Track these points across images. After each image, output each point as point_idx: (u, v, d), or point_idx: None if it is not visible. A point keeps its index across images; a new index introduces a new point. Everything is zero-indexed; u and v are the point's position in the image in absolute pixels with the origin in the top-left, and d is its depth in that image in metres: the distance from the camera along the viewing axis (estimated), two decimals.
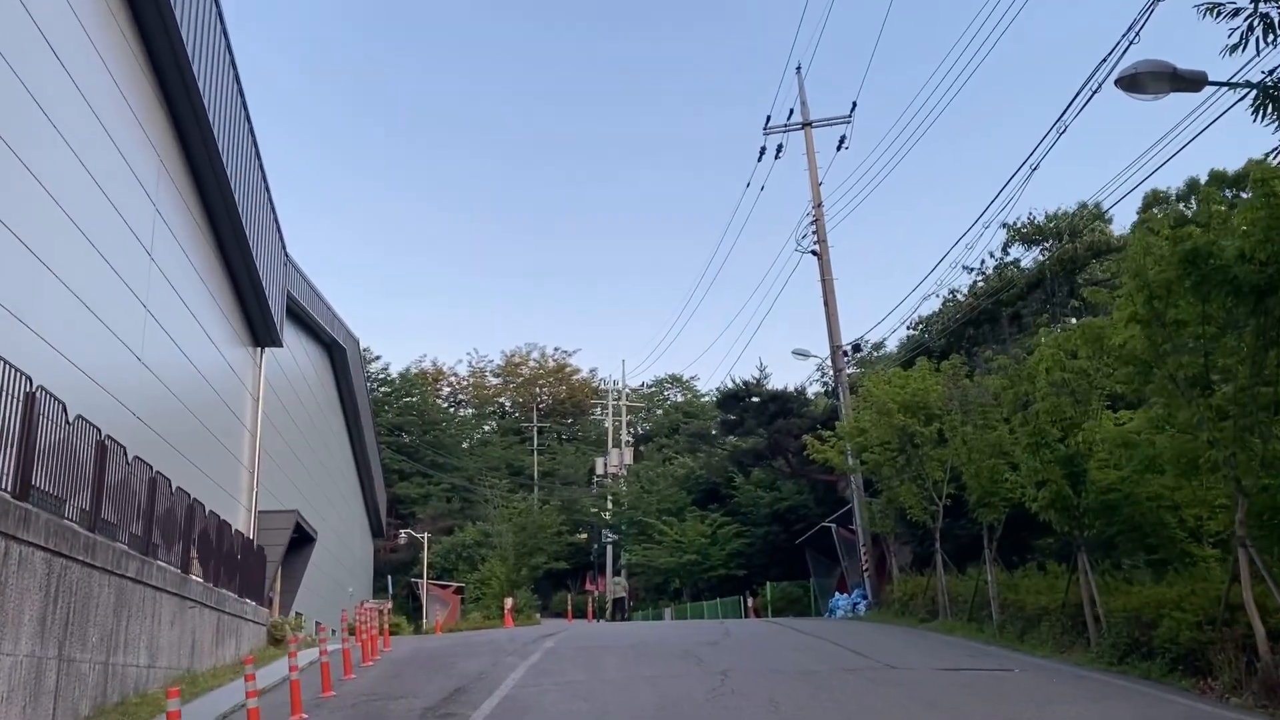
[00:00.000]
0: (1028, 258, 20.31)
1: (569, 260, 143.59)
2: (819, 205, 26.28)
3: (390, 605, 32.08)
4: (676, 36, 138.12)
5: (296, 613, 32.05)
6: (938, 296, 22.25)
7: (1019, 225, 19.78)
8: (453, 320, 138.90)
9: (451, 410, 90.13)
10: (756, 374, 35.83)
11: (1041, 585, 14.74)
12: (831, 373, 35.82)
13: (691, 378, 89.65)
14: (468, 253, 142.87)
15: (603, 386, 79.79)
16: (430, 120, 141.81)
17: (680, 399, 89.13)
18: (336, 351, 40.54)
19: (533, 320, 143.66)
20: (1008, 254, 20.66)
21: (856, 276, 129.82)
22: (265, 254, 25.04)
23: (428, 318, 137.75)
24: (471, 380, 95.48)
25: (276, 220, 26.33)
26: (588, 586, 66.09)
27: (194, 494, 20.51)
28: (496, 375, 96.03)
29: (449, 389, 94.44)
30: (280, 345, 27.44)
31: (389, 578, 46.58)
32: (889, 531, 21.82)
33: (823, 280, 26.17)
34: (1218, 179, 10.30)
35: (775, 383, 36.85)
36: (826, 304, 26.01)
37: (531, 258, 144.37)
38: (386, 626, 19.50)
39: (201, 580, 14.56)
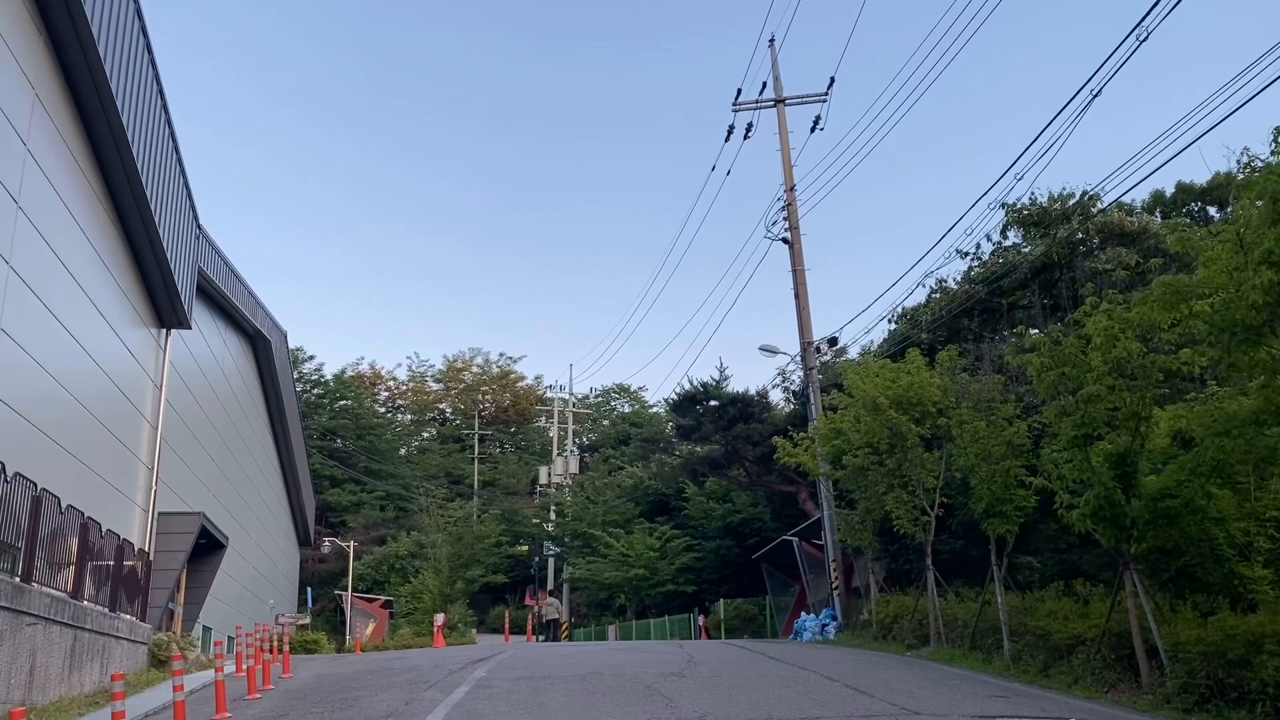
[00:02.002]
0: (1028, 243, 18.30)
1: (515, 261, 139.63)
2: (792, 188, 24.16)
3: (308, 619, 29.07)
4: (630, 6, 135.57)
5: (205, 627, 28.88)
6: (924, 287, 20.14)
7: (1019, 206, 17.83)
8: (393, 324, 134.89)
9: (389, 416, 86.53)
10: (716, 375, 33.65)
11: (1069, 610, 12.55)
12: (796, 376, 33.76)
13: (639, 388, 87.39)
14: (410, 255, 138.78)
15: (548, 394, 76.90)
16: (367, 117, 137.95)
17: (628, 409, 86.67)
18: (261, 344, 37.32)
19: (477, 325, 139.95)
20: (1006, 238, 18.75)
21: (829, 271, 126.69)
22: (172, 221, 22.12)
23: (367, 321, 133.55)
24: (411, 385, 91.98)
25: (187, 185, 23.39)
26: (528, 601, 63.12)
27: (71, 492, 17.57)
28: (438, 381, 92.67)
29: (387, 394, 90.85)
30: (188, 327, 24.44)
31: (309, 590, 43.30)
32: (867, 545, 19.64)
33: (794, 270, 24.03)
34: None
35: (736, 385, 34.70)
36: (797, 296, 23.86)
37: (476, 259, 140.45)
38: (286, 648, 16.70)
39: (52, 590, 11.74)
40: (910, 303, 21.21)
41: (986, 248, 19.25)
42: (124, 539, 15.22)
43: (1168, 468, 10.25)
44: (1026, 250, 18.08)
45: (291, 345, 72.50)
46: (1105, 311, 9.92)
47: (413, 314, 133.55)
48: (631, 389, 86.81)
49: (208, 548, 27.30)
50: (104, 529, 14.14)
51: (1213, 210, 19.43)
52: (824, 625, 22.11)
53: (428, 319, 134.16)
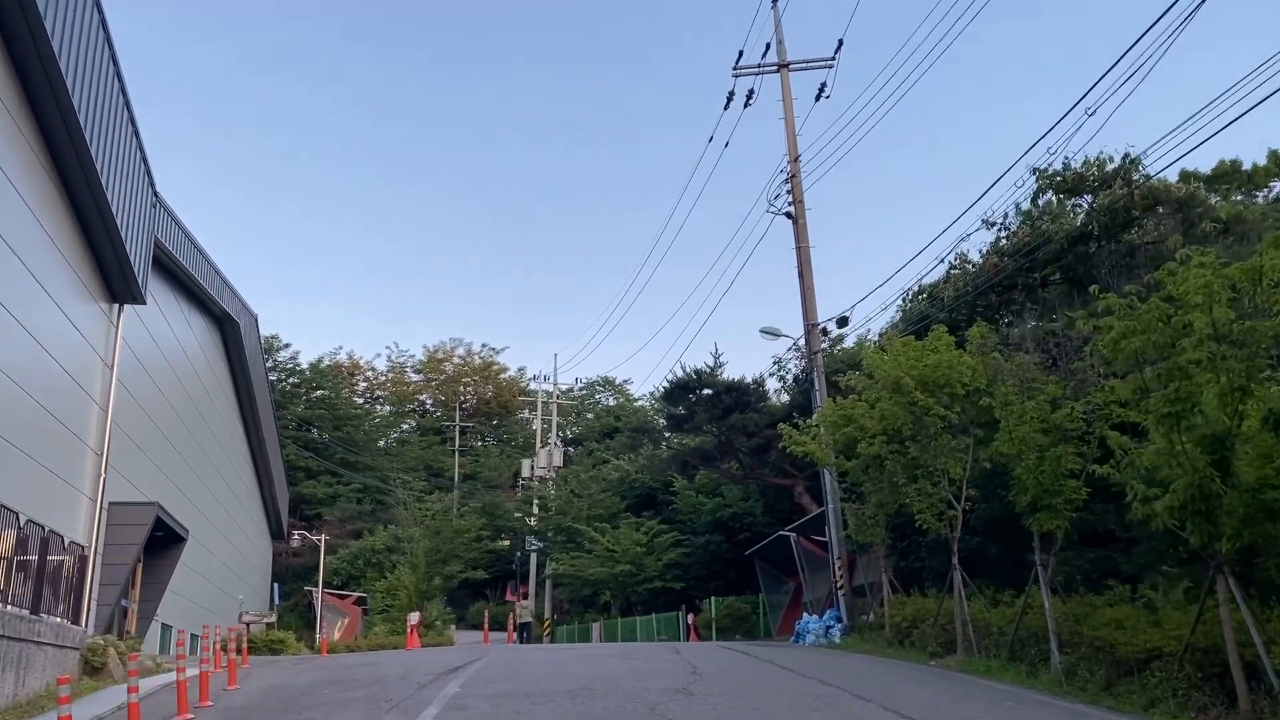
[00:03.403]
0: (1058, 214, 16.73)
1: (499, 249, 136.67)
2: (796, 159, 22.49)
3: (274, 618, 27.24)
4: None
5: (164, 625, 27.00)
6: (943, 261, 18.49)
7: (1052, 172, 16.24)
8: (372, 313, 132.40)
9: (368, 407, 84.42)
10: (710, 363, 31.92)
11: (1136, 619, 10.90)
12: (793, 365, 32.15)
13: (625, 381, 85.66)
14: (391, 243, 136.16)
15: (532, 386, 75.05)
16: (347, 97, 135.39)
17: (613, 402, 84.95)
18: (229, 326, 35.32)
19: (458, 316, 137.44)
20: (1037, 206, 17.12)
21: (833, 251, 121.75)
22: (122, 185, 20.21)
23: (345, 309, 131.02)
24: (390, 376, 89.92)
25: (141, 149, 21.49)
26: (509, 597, 61.38)
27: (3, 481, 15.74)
28: (418, 372, 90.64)
29: (365, 384, 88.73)
30: (143, 302, 22.52)
31: (275, 586, 41.36)
32: (879, 542, 18.03)
33: (798, 247, 22.39)
34: None
35: (731, 374, 32.92)
36: (801, 275, 22.22)
37: (458, 247, 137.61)
38: (243, 650, 14.91)
39: None
40: (925, 281, 19.62)
41: (1014, 219, 17.67)
42: (50, 530, 13.39)
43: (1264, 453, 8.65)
44: (1062, 220, 16.41)
45: (266, 333, 70.51)
46: (1202, 265, 8.30)
47: (392, 304, 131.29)
48: (617, 382, 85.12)
49: (166, 540, 25.42)
50: (23, 519, 12.30)
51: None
52: (828, 627, 20.53)
53: (408, 309, 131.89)
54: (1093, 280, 15.07)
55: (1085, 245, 15.91)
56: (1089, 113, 13.36)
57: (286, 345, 71.29)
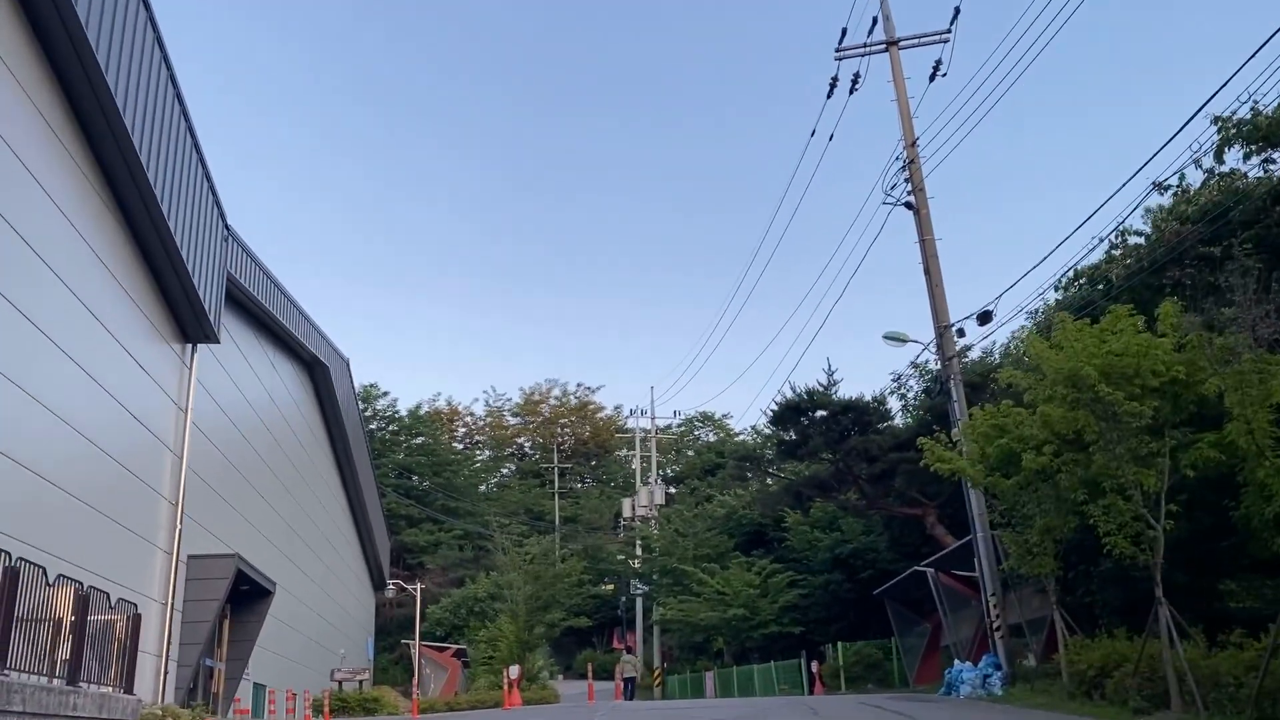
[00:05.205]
0: (1252, 166, 13.78)
1: (592, 284, 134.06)
2: (913, 143, 20.03)
3: (367, 674, 25.51)
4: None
5: (256, 684, 25.54)
6: (1103, 240, 15.67)
7: (1238, 120, 13.39)
8: (468, 358, 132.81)
9: (467, 452, 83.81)
10: (823, 380, 29.22)
11: None
12: (912, 381, 29.27)
13: (724, 415, 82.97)
14: (483, 287, 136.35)
15: (628, 423, 73.00)
16: (436, 160, 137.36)
17: (713, 438, 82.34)
18: (319, 371, 34.35)
19: (553, 356, 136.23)
20: (1222, 162, 14.32)
21: (960, 243, 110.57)
22: (187, 216, 19.05)
23: (442, 355, 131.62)
24: (489, 420, 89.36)
25: (208, 177, 20.37)
26: (615, 644, 59.05)
27: (62, 539, 14.35)
28: (515, 415, 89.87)
29: (464, 429, 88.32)
30: (216, 340, 21.33)
31: (369, 640, 39.91)
32: (1049, 573, 15.17)
33: (922, 241, 19.84)
34: None
35: (846, 392, 29.94)
36: (928, 271, 19.63)
37: (552, 284, 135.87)
38: (325, 713, 13.03)
39: None
40: (1080, 264, 16.73)
41: (1194, 178, 14.81)
42: (90, 587, 11.72)
43: None
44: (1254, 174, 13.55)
45: (365, 382, 70.64)
46: None
47: (488, 348, 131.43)
48: (716, 416, 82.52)
49: (252, 594, 24.02)
50: (52, 575, 10.65)
51: None
52: (985, 676, 17.63)
53: (503, 352, 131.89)
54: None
55: None
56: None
57: (385, 393, 71.15)
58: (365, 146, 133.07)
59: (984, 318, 16.73)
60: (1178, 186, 15.16)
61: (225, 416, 23.99)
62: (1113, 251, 16.31)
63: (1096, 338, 12.16)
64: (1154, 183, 14.01)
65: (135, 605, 13.64)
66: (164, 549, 19.50)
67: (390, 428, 71.04)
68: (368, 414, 66.37)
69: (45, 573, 10.64)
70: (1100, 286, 16.14)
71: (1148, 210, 15.93)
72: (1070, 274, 16.77)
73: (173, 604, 19.37)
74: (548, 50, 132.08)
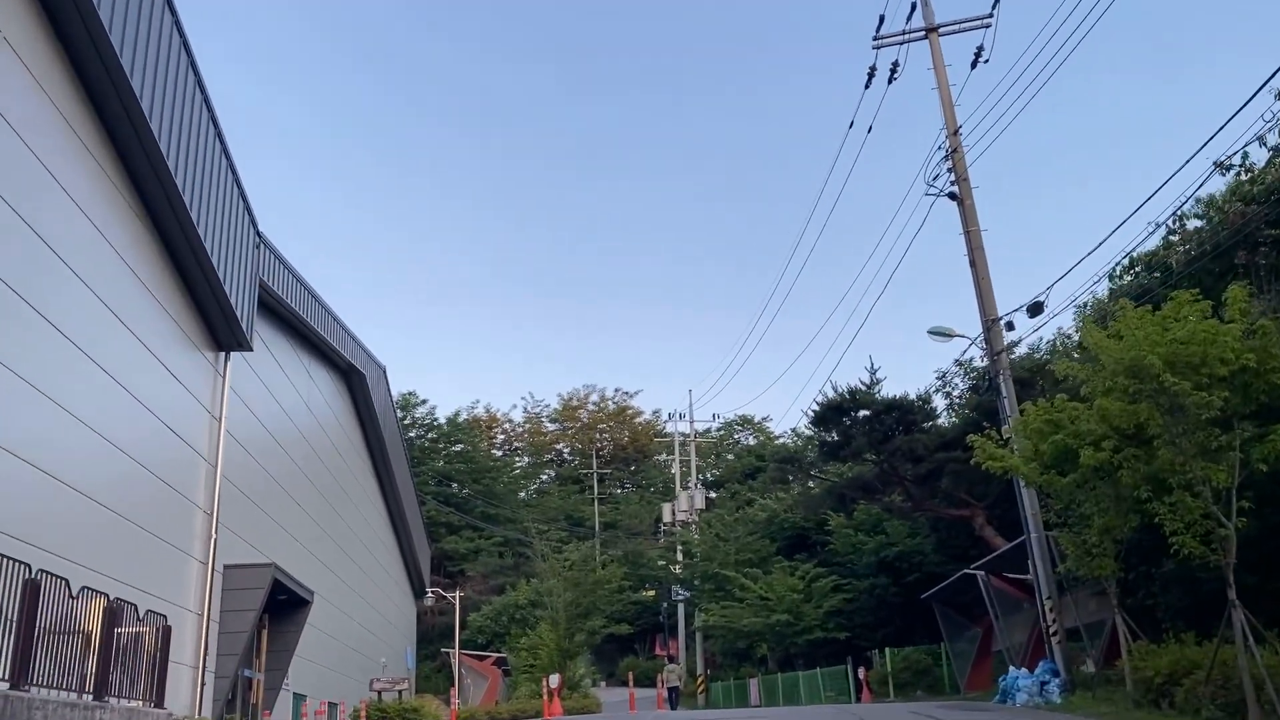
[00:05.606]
0: None
1: (629, 288, 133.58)
2: (956, 132, 19.36)
3: (406, 684, 25.21)
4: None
5: (296, 695, 25.36)
6: (1159, 225, 14.91)
7: None
8: (506, 365, 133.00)
9: (506, 459, 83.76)
10: (866, 379, 28.48)
11: None
12: (957, 379, 28.48)
13: (763, 419, 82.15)
14: (519, 293, 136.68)
15: (667, 427, 72.47)
16: (467, 162, 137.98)
17: (752, 441, 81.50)
18: (355, 379, 34.26)
19: (591, 361, 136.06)
20: None
21: (1006, 236, 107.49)
22: (217, 224, 18.91)
23: (479, 363, 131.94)
24: (527, 426, 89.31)
25: (239, 184, 20.25)
26: (658, 651, 58.49)
27: (94, 552, 14.18)
28: (553, 420, 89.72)
29: (503, 436, 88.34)
30: (249, 348, 21.20)
31: (409, 648, 39.72)
32: (1110, 575, 14.43)
33: (966, 232, 19.15)
34: None
35: (890, 391, 29.10)
36: (974, 263, 18.94)
37: (589, 289, 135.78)
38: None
39: None
40: (1136, 251, 15.95)
41: (1260, 156, 13.98)
42: (117, 599, 11.47)
43: None
44: None
45: (403, 390, 70.85)
46: None
47: (526, 355, 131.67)
48: (755, 420, 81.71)
49: (290, 604, 23.86)
50: (69, 587, 10.38)
51: None
52: (1043, 683, 16.88)
53: (541, 359, 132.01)
54: None
55: None
56: None
57: (423, 401, 71.26)
58: (406, 153, 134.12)
59: (1035, 309, 16.03)
60: (1240, 166, 14.37)
61: (261, 425, 23.88)
62: (1170, 237, 15.57)
63: (1159, 325, 11.48)
64: (1215, 162, 13.24)
65: (165, 617, 13.39)
66: (199, 559, 19.35)
67: (429, 435, 71.14)
68: (406, 422, 66.48)
69: (69, 585, 10.38)
70: (1158, 274, 15.40)
71: (1199, 201, 15.17)
72: (1125, 261, 16.03)
73: (209, 615, 19.19)
74: (579, 49, 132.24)
